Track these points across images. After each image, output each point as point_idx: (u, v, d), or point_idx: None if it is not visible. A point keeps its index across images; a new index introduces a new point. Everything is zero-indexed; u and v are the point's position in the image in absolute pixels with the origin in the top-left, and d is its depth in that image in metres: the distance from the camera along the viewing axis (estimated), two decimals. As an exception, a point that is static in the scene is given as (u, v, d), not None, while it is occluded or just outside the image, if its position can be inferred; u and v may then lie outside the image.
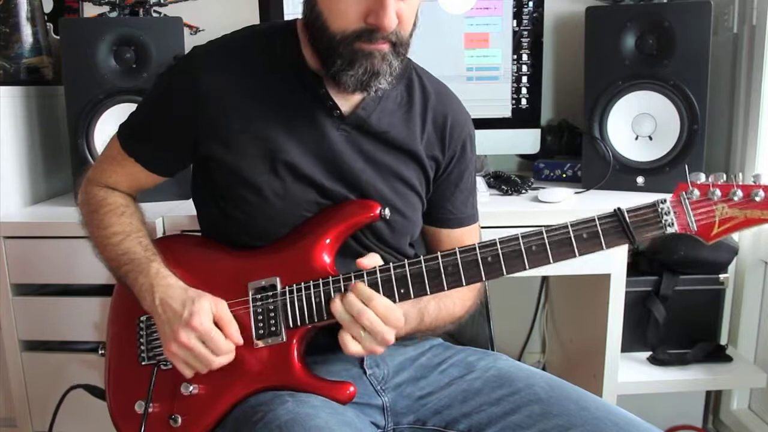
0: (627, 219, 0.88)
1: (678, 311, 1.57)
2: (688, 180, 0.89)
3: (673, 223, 0.88)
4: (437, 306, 1.03)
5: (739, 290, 1.70)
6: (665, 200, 0.88)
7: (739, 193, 0.86)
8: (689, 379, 1.53)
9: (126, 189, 1.11)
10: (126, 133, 1.07)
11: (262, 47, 1.00)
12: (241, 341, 0.94)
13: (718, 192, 0.87)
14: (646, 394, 1.57)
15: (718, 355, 1.58)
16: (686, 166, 0.94)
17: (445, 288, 0.92)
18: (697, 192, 0.88)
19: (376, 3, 0.86)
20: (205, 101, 0.97)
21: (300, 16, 0.99)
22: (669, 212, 0.88)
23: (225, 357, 0.93)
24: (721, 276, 1.58)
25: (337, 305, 0.91)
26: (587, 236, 0.89)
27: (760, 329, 1.70)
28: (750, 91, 1.65)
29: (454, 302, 1.06)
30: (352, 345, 0.90)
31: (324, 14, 0.90)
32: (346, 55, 0.90)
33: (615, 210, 0.89)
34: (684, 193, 0.88)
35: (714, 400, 1.85)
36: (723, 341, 1.63)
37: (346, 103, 1.00)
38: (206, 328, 0.91)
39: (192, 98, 0.97)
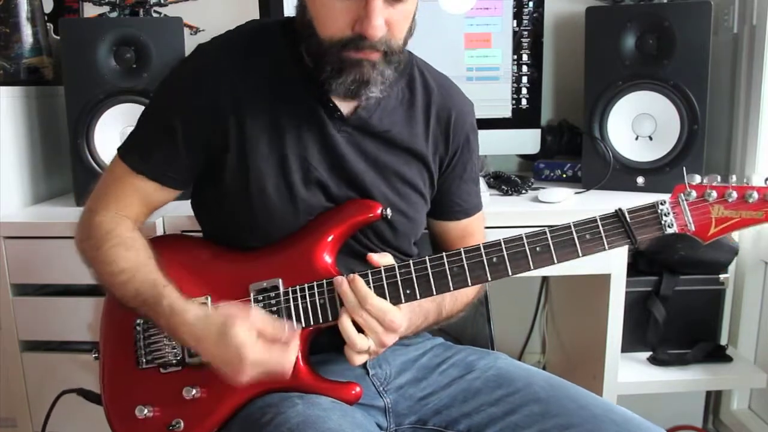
0: (628, 219, 0.90)
1: (678, 311, 1.57)
2: (686, 181, 0.91)
3: (672, 224, 0.91)
4: (453, 296, 1.04)
5: (739, 290, 1.70)
6: (665, 201, 0.91)
7: (734, 194, 0.89)
8: (689, 379, 1.53)
9: (136, 211, 1.03)
10: (131, 151, 1.01)
11: (265, 46, 0.99)
12: (293, 330, 0.90)
13: (714, 193, 0.90)
14: (646, 394, 1.56)
15: (718, 355, 1.58)
16: (684, 168, 0.97)
17: (451, 288, 0.93)
18: (694, 193, 0.91)
19: (362, 11, 0.84)
20: (211, 101, 0.95)
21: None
22: (668, 213, 0.91)
23: (292, 353, 0.89)
24: (721, 276, 1.58)
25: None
26: (590, 237, 0.91)
27: (760, 329, 1.70)
28: (750, 91, 1.65)
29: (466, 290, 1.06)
30: (357, 358, 0.91)
31: (314, 20, 0.89)
32: (335, 62, 0.89)
33: (616, 211, 0.91)
34: (682, 194, 0.91)
35: (714, 400, 1.85)
36: (723, 341, 1.63)
37: (346, 104, 0.98)
38: (260, 358, 0.86)
39: (198, 99, 0.95)
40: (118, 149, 1.03)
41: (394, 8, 0.87)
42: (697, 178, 0.91)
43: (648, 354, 1.59)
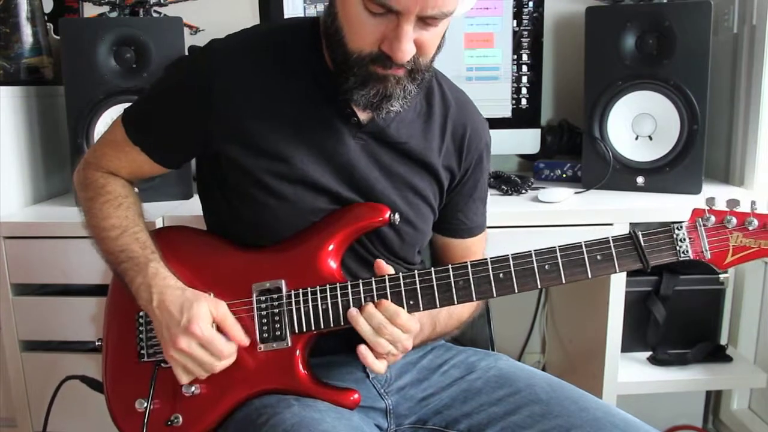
0: (642, 243, 0.87)
1: (678, 311, 1.57)
2: (705, 205, 0.88)
3: (687, 250, 0.87)
4: (448, 313, 1.04)
5: (739, 290, 1.70)
6: (681, 226, 0.87)
7: (755, 222, 0.85)
8: (689, 379, 1.53)
9: (127, 176, 1.07)
10: (132, 121, 1.03)
11: (282, 46, 0.98)
12: (246, 342, 0.93)
13: (734, 220, 0.86)
14: (646, 394, 1.57)
15: (718, 355, 1.58)
16: (704, 192, 0.91)
17: (455, 302, 0.92)
18: (713, 218, 0.87)
19: (392, 32, 0.83)
20: (220, 98, 0.95)
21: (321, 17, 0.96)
22: (684, 239, 0.87)
23: (227, 360, 0.92)
24: (721, 276, 1.58)
25: (360, 321, 0.91)
26: (601, 258, 0.88)
27: (760, 329, 1.70)
28: (750, 91, 1.65)
29: (463, 307, 1.06)
30: (377, 366, 0.91)
31: (343, 30, 0.87)
32: (360, 75, 0.88)
33: (630, 233, 0.88)
34: (700, 219, 0.87)
35: (714, 400, 1.85)
36: (723, 341, 1.63)
37: (364, 111, 0.97)
38: (206, 333, 0.89)
39: (207, 95, 0.95)
40: (123, 112, 1.06)
41: (426, 30, 0.85)
42: (718, 203, 0.87)
43: (648, 354, 1.59)
